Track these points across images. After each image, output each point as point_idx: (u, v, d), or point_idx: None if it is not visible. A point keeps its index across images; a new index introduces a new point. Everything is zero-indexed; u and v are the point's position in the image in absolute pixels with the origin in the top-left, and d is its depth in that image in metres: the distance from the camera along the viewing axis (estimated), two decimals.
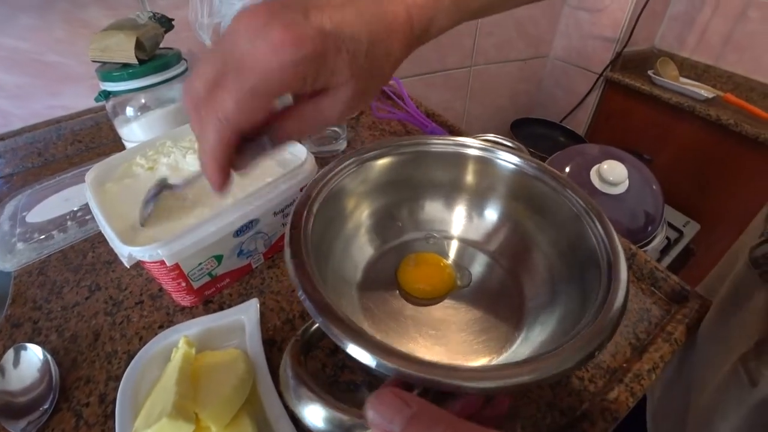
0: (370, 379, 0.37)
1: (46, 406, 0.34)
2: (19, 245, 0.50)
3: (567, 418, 0.35)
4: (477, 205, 0.44)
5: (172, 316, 0.43)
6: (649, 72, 1.26)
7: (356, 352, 0.22)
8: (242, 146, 0.23)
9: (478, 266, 0.42)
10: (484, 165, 0.42)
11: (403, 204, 0.43)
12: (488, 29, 1.25)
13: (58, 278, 0.47)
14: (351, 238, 0.40)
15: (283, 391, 0.23)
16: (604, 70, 1.33)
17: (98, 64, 0.58)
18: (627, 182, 0.81)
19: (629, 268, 0.50)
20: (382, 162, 0.40)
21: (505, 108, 1.54)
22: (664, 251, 1.04)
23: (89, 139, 0.73)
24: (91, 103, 0.70)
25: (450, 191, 0.44)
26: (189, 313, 0.43)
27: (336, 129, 0.67)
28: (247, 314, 0.38)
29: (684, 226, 1.12)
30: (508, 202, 0.42)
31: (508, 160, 0.40)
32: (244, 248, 0.43)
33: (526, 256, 0.40)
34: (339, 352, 0.38)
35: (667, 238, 1.02)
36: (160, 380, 0.32)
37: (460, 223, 0.44)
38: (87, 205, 0.55)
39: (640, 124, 1.32)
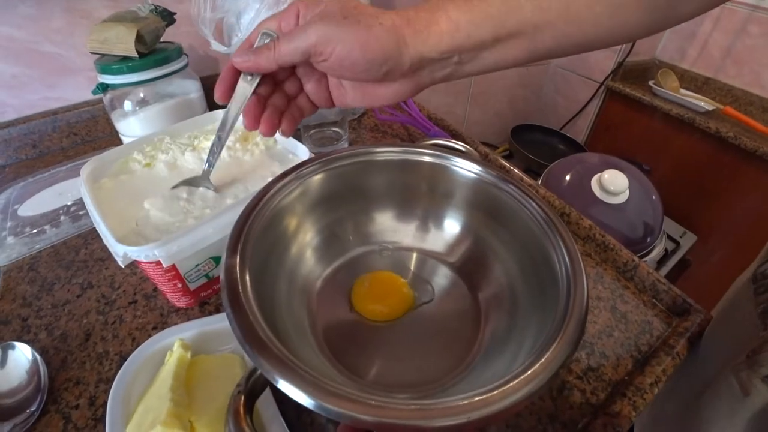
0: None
1: (33, 408, 0.33)
2: (10, 239, 0.49)
3: (568, 431, 0.35)
4: (434, 215, 0.42)
5: (167, 317, 0.41)
6: (650, 83, 1.26)
7: (292, 392, 0.20)
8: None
9: (439, 280, 0.40)
10: (438, 172, 0.39)
11: (351, 217, 0.41)
12: None
13: (49, 275, 0.46)
14: (297, 260, 0.37)
15: None
16: (606, 79, 1.33)
17: (97, 56, 0.57)
18: (627, 192, 0.81)
19: (630, 279, 0.50)
20: (323, 176, 0.37)
21: (505, 114, 1.54)
22: (661, 262, 1.04)
23: (85, 132, 0.71)
24: (88, 96, 0.69)
25: (402, 201, 0.42)
26: (184, 314, 0.42)
27: (338, 130, 0.66)
28: None
29: (681, 237, 1.12)
30: (468, 211, 0.40)
31: (464, 167, 0.38)
32: None
33: (488, 270, 0.38)
34: None
35: (665, 248, 1.02)
36: (154, 384, 0.31)
37: (417, 234, 0.42)
38: (81, 199, 0.54)
39: (640, 134, 1.32)
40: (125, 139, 0.62)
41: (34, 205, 0.54)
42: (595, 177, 0.83)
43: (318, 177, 0.37)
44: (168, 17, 0.61)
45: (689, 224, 1.16)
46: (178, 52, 0.60)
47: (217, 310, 0.42)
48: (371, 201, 0.42)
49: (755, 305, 0.37)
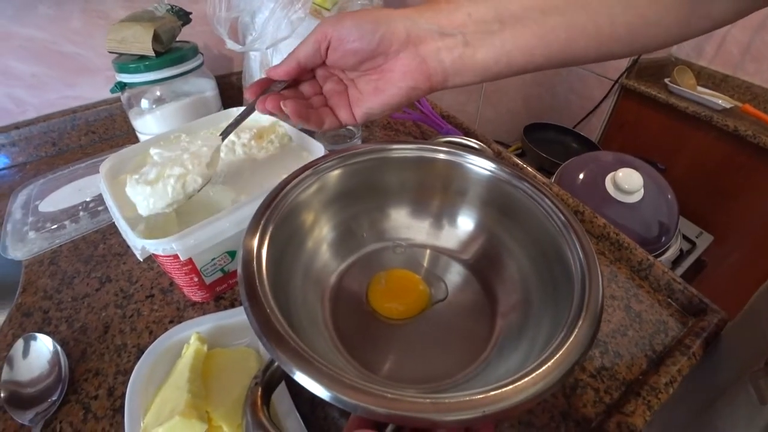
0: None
1: (54, 398, 0.34)
2: (31, 234, 0.50)
3: (582, 430, 0.34)
4: (448, 212, 0.42)
5: (183, 311, 0.42)
6: (666, 80, 1.24)
7: (309, 384, 0.20)
8: None
9: (453, 277, 0.40)
10: (453, 169, 0.39)
11: (366, 213, 0.41)
12: None
13: (68, 269, 0.47)
14: (313, 254, 0.37)
15: None
16: (620, 76, 1.31)
17: (114, 56, 0.58)
18: (642, 191, 0.80)
19: (645, 278, 0.49)
20: (340, 172, 0.38)
21: (518, 112, 1.52)
22: (676, 262, 1.02)
23: (103, 131, 0.73)
24: (106, 94, 0.70)
25: (416, 198, 0.42)
26: (200, 308, 0.42)
27: (351, 128, 0.66)
28: None
29: (697, 237, 1.10)
30: (482, 208, 0.40)
31: (479, 164, 0.38)
32: None
33: (501, 267, 0.38)
34: None
35: (681, 248, 1.01)
36: (171, 376, 0.32)
37: (431, 231, 0.42)
38: (99, 195, 0.55)
39: (655, 132, 1.30)
40: (142, 137, 0.63)
41: (54, 201, 0.56)
42: (609, 175, 0.82)
43: (335, 173, 0.37)
44: (184, 17, 0.62)
45: (705, 224, 1.14)
46: (194, 51, 0.61)
47: (232, 305, 0.43)
48: (386, 197, 0.42)
49: None
